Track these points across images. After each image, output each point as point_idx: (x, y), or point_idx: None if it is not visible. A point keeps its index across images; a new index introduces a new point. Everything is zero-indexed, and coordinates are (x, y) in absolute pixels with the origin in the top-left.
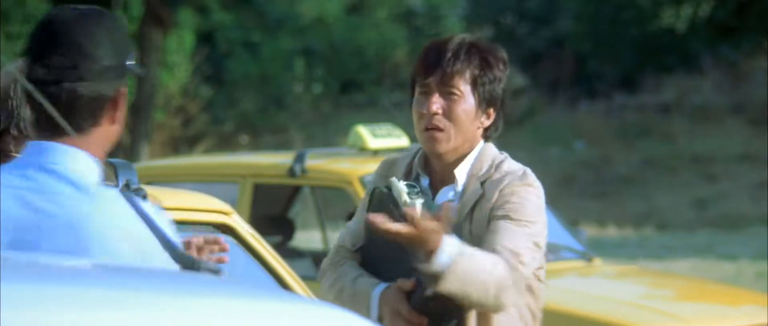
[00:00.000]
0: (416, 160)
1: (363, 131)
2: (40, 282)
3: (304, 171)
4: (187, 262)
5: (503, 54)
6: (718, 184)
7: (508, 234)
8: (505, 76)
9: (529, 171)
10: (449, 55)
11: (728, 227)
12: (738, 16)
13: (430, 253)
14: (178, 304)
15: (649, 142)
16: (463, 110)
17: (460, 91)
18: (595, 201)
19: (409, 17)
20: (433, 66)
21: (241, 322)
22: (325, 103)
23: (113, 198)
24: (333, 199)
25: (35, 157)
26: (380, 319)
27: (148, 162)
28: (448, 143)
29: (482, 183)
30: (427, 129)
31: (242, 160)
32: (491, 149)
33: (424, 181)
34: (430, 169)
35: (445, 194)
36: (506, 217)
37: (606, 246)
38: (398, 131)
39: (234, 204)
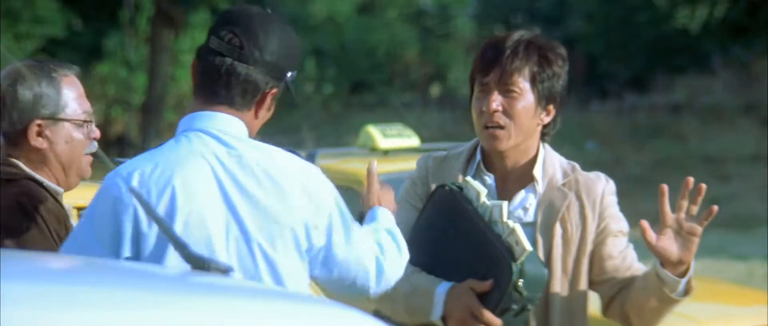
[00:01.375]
0: (477, 157)
1: (373, 131)
2: (51, 283)
3: None
4: (197, 262)
5: (562, 50)
6: (729, 184)
7: (632, 253)
8: (565, 72)
9: (606, 176)
10: (508, 52)
11: (740, 227)
12: (750, 16)
13: None
14: (189, 304)
15: (661, 142)
16: (523, 107)
17: (520, 88)
18: None
19: (420, 17)
20: (492, 63)
21: (251, 321)
22: (336, 102)
23: None
24: (343, 199)
25: (203, 122)
26: (445, 317)
27: None
28: (508, 140)
29: (564, 185)
30: (486, 127)
31: None
32: (553, 151)
33: (490, 179)
34: (494, 168)
35: (525, 198)
36: (622, 233)
37: None
38: (409, 131)
39: None
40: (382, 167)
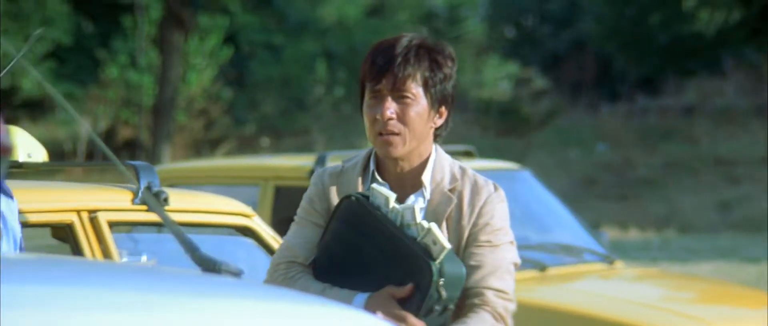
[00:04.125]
0: (371, 166)
1: None
2: (61, 284)
3: None
4: (208, 264)
5: (451, 50)
6: (740, 187)
7: (494, 269)
8: (454, 72)
9: (497, 184)
10: (399, 59)
11: (751, 229)
12: (762, 19)
13: None
14: (199, 306)
15: (672, 144)
16: (417, 113)
17: (413, 94)
18: (617, 203)
19: (430, 19)
20: (384, 70)
21: (262, 324)
22: (347, 105)
23: None
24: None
25: None
26: None
27: (169, 164)
28: (403, 147)
29: (450, 191)
30: (381, 134)
31: (264, 162)
32: (443, 153)
33: (385, 187)
34: (388, 175)
35: (415, 203)
36: (489, 244)
37: (628, 249)
38: None
39: (255, 206)
40: None
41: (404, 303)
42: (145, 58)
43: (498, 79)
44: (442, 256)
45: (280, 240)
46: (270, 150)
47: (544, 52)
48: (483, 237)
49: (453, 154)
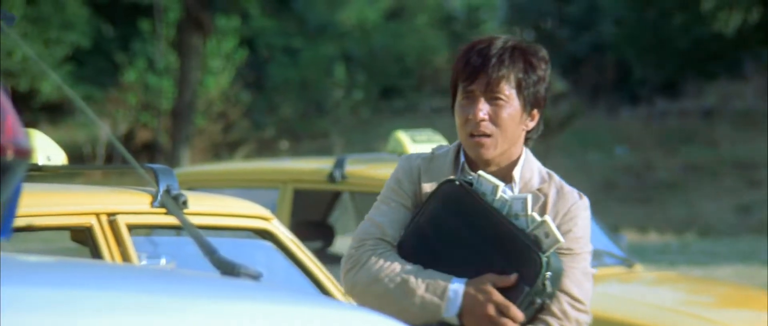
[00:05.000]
0: (462, 158)
1: (403, 137)
2: (81, 287)
3: (343, 176)
4: (227, 267)
5: (545, 53)
6: (760, 190)
7: (573, 277)
8: (548, 75)
9: (583, 194)
10: (494, 60)
11: None
12: None
13: None
14: (218, 309)
15: (691, 147)
16: (509, 115)
17: (506, 96)
18: (637, 206)
19: (449, 22)
20: (478, 71)
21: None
22: (365, 108)
23: None
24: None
25: None
26: (461, 313)
27: (188, 167)
28: (495, 149)
29: (539, 190)
30: (472, 135)
31: (282, 165)
32: (534, 158)
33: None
34: (477, 170)
35: (512, 194)
36: (570, 251)
37: (647, 252)
38: (438, 136)
39: (274, 209)
40: None
41: (506, 292)
42: (164, 61)
43: None
44: (552, 249)
45: (299, 243)
46: (289, 153)
47: (563, 55)
48: (565, 245)
49: None
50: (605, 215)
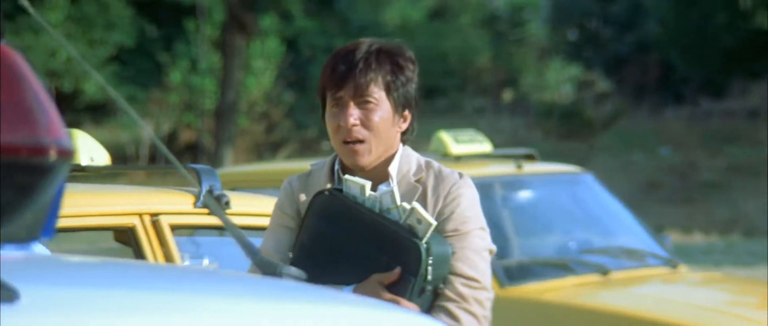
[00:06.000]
0: (337, 167)
1: (445, 137)
2: (124, 287)
3: None
4: (269, 268)
5: (411, 53)
6: None
7: (464, 257)
8: (416, 75)
9: (464, 173)
10: (361, 64)
11: None
12: None
13: None
14: (261, 310)
15: (736, 147)
16: (381, 118)
17: (375, 99)
18: (681, 207)
19: (492, 22)
20: (346, 77)
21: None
22: None
23: None
24: None
25: None
26: None
27: (231, 167)
28: (370, 154)
29: (416, 181)
30: (346, 142)
31: None
32: (411, 151)
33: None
34: (353, 173)
35: (381, 189)
36: (456, 232)
37: (691, 253)
38: (481, 137)
39: None
40: None
41: (393, 287)
42: (207, 61)
43: (560, 81)
44: (428, 233)
45: None
46: (330, 153)
47: (607, 54)
48: (449, 226)
49: (514, 157)
50: (649, 216)
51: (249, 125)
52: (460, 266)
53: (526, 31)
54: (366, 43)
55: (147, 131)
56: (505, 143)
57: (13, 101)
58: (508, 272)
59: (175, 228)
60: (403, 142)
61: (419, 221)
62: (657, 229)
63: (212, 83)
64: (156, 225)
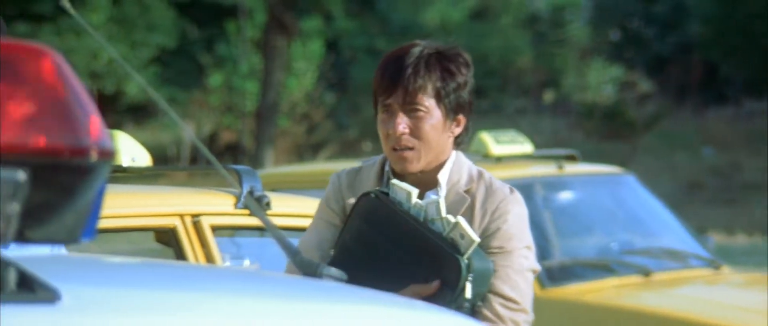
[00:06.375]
0: (387, 169)
1: (486, 138)
2: (165, 288)
3: None
4: (310, 268)
5: (465, 56)
6: None
7: (505, 276)
8: (470, 77)
9: (513, 187)
10: (409, 71)
11: None
12: None
13: None
14: (301, 310)
15: None
16: (431, 126)
17: (425, 107)
18: (724, 207)
19: (533, 23)
20: (394, 84)
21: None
22: None
23: None
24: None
25: None
26: None
27: (272, 169)
28: (419, 162)
29: (466, 191)
30: (395, 149)
31: None
32: (464, 158)
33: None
34: (404, 177)
35: (429, 198)
36: (501, 250)
37: (734, 254)
38: (522, 137)
39: None
40: (495, 174)
41: (430, 300)
42: (248, 62)
43: (602, 82)
44: (470, 250)
45: None
46: (372, 154)
47: (649, 54)
48: (494, 243)
49: (555, 158)
50: (692, 217)
51: (290, 126)
52: (500, 285)
53: (567, 32)
54: (418, 46)
55: (188, 132)
56: (546, 144)
57: (54, 102)
58: (550, 273)
59: (215, 229)
60: (458, 145)
61: (462, 236)
62: (699, 230)
63: (253, 84)
64: (197, 226)
